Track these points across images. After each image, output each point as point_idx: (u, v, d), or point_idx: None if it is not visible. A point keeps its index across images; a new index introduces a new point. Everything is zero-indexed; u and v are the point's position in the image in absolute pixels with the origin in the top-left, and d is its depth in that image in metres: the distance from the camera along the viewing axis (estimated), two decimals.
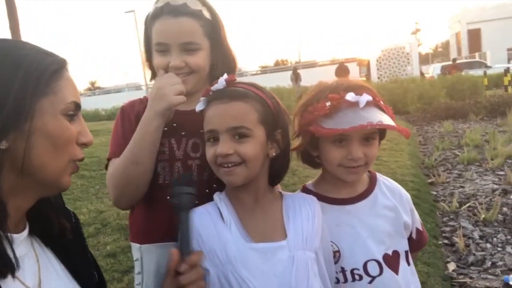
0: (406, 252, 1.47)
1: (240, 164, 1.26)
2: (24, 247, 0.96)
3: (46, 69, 0.92)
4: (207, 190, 1.46)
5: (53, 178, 0.95)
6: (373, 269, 1.40)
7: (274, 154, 1.33)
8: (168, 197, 1.26)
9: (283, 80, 22.08)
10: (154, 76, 1.62)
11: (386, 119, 1.34)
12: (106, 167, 1.53)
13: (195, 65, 1.50)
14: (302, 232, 1.29)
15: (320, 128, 1.35)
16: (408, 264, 1.47)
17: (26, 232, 0.98)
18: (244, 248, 1.24)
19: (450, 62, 25.79)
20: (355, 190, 1.48)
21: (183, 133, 1.53)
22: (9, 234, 0.89)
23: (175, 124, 1.51)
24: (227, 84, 1.33)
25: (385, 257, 1.42)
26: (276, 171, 1.38)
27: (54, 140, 0.93)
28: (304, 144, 1.46)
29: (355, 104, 1.34)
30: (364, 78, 22.54)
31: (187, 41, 1.48)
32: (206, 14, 1.52)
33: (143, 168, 1.42)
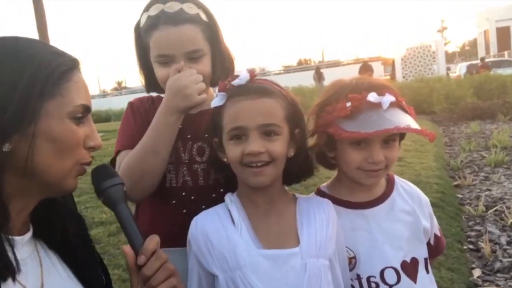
0: (426, 259, 1.42)
1: (268, 164, 1.22)
2: (26, 249, 0.95)
3: (54, 70, 0.90)
4: (213, 195, 1.44)
5: (57, 180, 0.94)
6: (390, 277, 1.35)
7: (292, 153, 1.29)
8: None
9: (306, 79, 21.94)
10: (151, 86, 1.59)
11: (411, 122, 1.29)
12: (113, 161, 1.49)
13: (202, 72, 1.46)
14: (316, 239, 1.24)
15: (341, 131, 1.29)
16: (427, 272, 1.42)
17: (29, 234, 0.97)
18: (255, 254, 1.20)
19: (478, 61, 25.21)
20: (372, 193, 1.43)
21: (188, 136, 1.50)
22: (10, 237, 0.89)
23: (181, 127, 1.48)
24: (250, 79, 1.28)
25: (403, 264, 1.37)
26: (294, 171, 1.33)
27: (59, 144, 0.91)
28: (320, 145, 1.41)
29: (378, 105, 1.28)
30: (389, 77, 22.23)
31: (191, 50, 1.44)
32: (203, 17, 1.48)
33: (162, 157, 1.41)
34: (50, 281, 0.97)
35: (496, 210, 4.60)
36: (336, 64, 37.31)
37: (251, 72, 1.29)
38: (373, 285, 1.35)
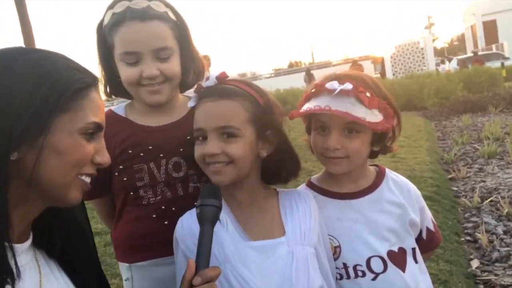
0: (413, 249, 1.44)
1: (228, 164, 1.24)
2: (25, 256, 0.96)
3: (70, 87, 0.93)
4: (195, 203, 1.42)
5: (60, 192, 0.95)
6: (376, 265, 1.37)
7: (265, 154, 1.30)
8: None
9: (297, 81, 22.01)
10: (113, 89, 1.52)
11: (358, 111, 1.28)
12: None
13: (171, 72, 1.41)
14: (300, 228, 1.28)
15: (293, 111, 1.37)
16: (416, 261, 1.43)
17: (28, 242, 0.98)
18: (243, 246, 1.23)
19: (467, 55, 25.38)
20: (359, 185, 1.45)
21: (161, 155, 1.45)
22: (13, 245, 0.88)
23: (150, 147, 1.44)
24: (218, 81, 1.29)
25: (390, 253, 1.39)
26: (272, 170, 1.35)
27: (65, 157, 0.92)
28: (306, 133, 1.47)
29: (332, 91, 1.32)
30: (379, 76, 22.34)
31: (160, 47, 1.38)
32: (172, 16, 1.43)
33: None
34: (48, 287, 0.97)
35: (491, 201, 4.62)
36: (326, 65, 37.42)
37: (221, 74, 1.29)
38: (359, 273, 1.37)
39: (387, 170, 1.51)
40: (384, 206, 1.42)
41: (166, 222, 1.41)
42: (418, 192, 1.52)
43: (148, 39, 1.37)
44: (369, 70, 26.63)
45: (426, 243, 1.50)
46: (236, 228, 1.27)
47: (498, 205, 4.45)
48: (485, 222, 4.09)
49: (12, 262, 0.86)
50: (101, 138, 1.01)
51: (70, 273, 1.05)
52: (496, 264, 3.40)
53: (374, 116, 1.31)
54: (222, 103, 1.25)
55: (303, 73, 23.84)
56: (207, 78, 1.30)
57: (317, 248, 1.30)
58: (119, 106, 1.56)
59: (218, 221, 1.23)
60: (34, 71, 0.89)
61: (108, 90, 1.54)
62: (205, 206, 1.14)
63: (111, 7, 1.41)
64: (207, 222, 1.12)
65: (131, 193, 1.45)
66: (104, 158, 1.01)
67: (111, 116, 1.50)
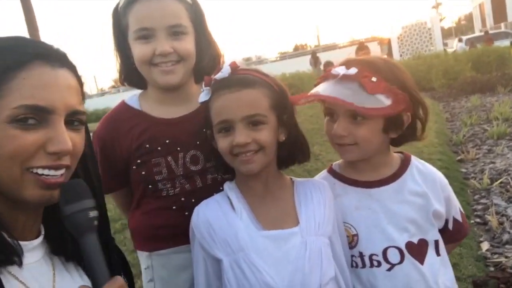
0: (436, 241, 1.40)
1: (258, 152, 1.25)
2: (35, 254, 0.93)
3: None
4: (214, 194, 1.41)
5: (11, 190, 0.86)
6: (393, 256, 1.34)
7: (283, 138, 1.32)
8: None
9: (303, 64, 21.82)
10: (129, 79, 1.51)
11: (357, 97, 1.24)
12: None
13: (185, 51, 1.39)
14: (314, 218, 1.28)
15: (295, 96, 1.36)
16: (438, 254, 1.39)
17: (37, 241, 0.94)
18: (256, 236, 1.24)
19: (475, 35, 24.99)
20: (381, 173, 1.42)
21: (178, 148, 1.44)
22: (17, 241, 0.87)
23: (168, 141, 1.44)
24: (232, 71, 1.28)
25: (409, 245, 1.35)
26: (286, 154, 1.36)
27: None
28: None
29: (335, 76, 1.30)
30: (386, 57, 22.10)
31: (174, 24, 1.36)
32: None
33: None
34: (62, 286, 0.94)
35: (501, 182, 4.57)
36: (332, 47, 37.08)
37: (233, 64, 1.28)
38: (375, 263, 1.35)
39: (413, 158, 1.46)
40: (406, 196, 1.38)
41: (186, 213, 1.41)
42: (445, 181, 1.47)
43: (163, 15, 1.36)
44: (376, 51, 26.37)
45: (452, 234, 1.46)
46: (250, 217, 1.27)
47: (508, 186, 4.41)
48: (495, 204, 4.05)
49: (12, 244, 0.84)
50: (54, 122, 0.86)
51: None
52: (507, 246, 3.37)
53: (378, 102, 1.26)
54: (246, 92, 1.25)
55: (309, 56, 23.62)
56: (218, 70, 1.29)
57: (332, 238, 1.30)
58: (132, 97, 1.54)
59: (232, 211, 1.25)
60: None
61: (122, 78, 1.53)
62: (76, 214, 0.89)
63: None
64: (86, 232, 0.90)
65: (150, 186, 1.45)
66: (59, 145, 0.85)
67: (124, 109, 1.51)
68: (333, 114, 1.34)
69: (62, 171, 0.89)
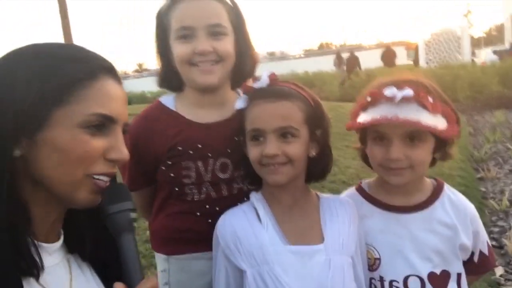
0: (459, 274, 1.38)
1: (286, 164, 1.26)
2: (57, 256, 0.96)
3: (66, 78, 0.87)
4: (238, 204, 1.42)
5: (66, 192, 0.91)
6: (414, 285, 1.33)
7: (314, 153, 1.33)
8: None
9: (327, 64, 21.66)
10: (167, 83, 1.52)
11: (423, 117, 1.23)
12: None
13: (224, 51, 1.40)
14: (339, 236, 1.29)
15: (351, 122, 1.33)
16: (459, 287, 1.37)
17: (59, 243, 0.97)
18: (282, 250, 1.25)
19: (504, 47, 24.49)
20: (411, 199, 1.39)
21: (209, 154, 1.44)
22: (36, 242, 0.88)
23: (200, 146, 1.44)
24: (270, 82, 1.31)
25: (431, 275, 1.34)
26: (316, 170, 1.37)
27: (66, 154, 0.87)
28: (360, 143, 1.44)
29: (392, 99, 1.26)
30: (412, 63, 21.81)
31: (214, 23, 1.38)
32: (228, 1, 1.44)
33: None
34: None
35: None
36: (358, 48, 36.76)
37: (272, 75, 1.30)
38: None
39: (446, 187, 1.44)
40: (434, 226, 1.36)
41: (209, 220, 1.43)
42: (476, 214, 1.44)
43: (203, 14, 1.38)
44: (402, 56, 26.02)
45: (476, 267, 1.43)
46: (276, 230, 1.28)
47: None
48: None
49: (36, 257, 0.86)
50: (116, 132, 0.93)
51: (103, 275, 1.04)
52: None
53: (439, 122, 1.25)
54: (280, 104, 1.26)
55: (333, 56, 23.45)
56: (257, 79, 1.32)
57: (354, 258, 1.31)
58: (167, 97, 1.56)
59: (258, 222, 1.27)
60: (32, 65, 0.86)
61: (160, 80, 1.54)
62: (118, 214, 0.95)
63: None
64: (125, 231, 0.95)
65: (176, 188, 1.46)
66: (119, 154, 0.93)
67: (159, 108, 1.52)
68: (383, 137, 1.31)
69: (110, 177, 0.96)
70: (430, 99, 1.27)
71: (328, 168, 1.41)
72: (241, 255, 1.27)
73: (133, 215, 0.97)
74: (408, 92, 1.25)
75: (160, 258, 1.55)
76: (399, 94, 1.25)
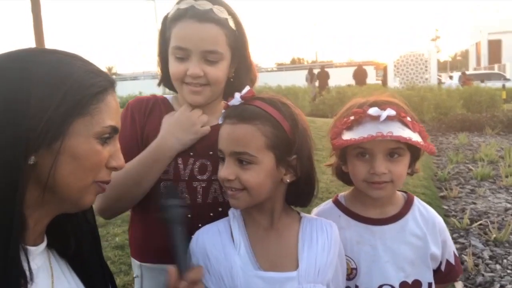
0: (430, 284, 1.45)
1: (242, 190, 1.22)
2: (39, 259, 0.97)
3: (86, 90, 0.91)
4: (211, 214, 1.43)
5: (75, 197, 0.95)
6: None
7: (288, 180, 1.26)
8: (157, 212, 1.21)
9: (299, 79, 21.98)
10: (165, 80, 1.57)
11: (409, 135, 1.32)
12: None
13: (214, 77, 1.43)
14: (315, 263, 1.24)
15: (338, 140, 1.36)
16: None
17: (43, 245, 0.99)
18: (252, 275, 1.20)
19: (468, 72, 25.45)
20: (385, 211, 1.46)
21: (191, 153, 1.47)
22: (27, 247, 0.90)
23: None
24: (244, 100, 1.26)
25: (403, 285, 1.41)
26: (295, 196, 1.33)
27: (81, 162, 0.92)
28: (336, 160, 1.48)
29: (376, 118, 1.33)
30: (380, 82, 22.37)
31: (209, 50, 1.41)
32: (231, 24, 1.46)
33: (143, 190, 1.42)
34: None
35: (480, 224, 4.67)
36: (329, 65, 37.40)
37: (248, 92, 1.27)
38: None
39: (416, 200, 1.52)
40: (407, 237, 1.43)
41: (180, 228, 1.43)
42: (444, 226, 1.52)
43: (200, 39, 1.40)
44: (371, 75, 26.65)
45: (444, 275, 1.51)
46: (248, 253, 1.23)
47: (487, 229, 4.51)
48: (472, 245, 4.16)
49: (25, 265, 0.88)
50: (116, 141, 1.00)
51: (80, 272, 1.06)
52: None
53: (419, 139, 1.34)
54: (239, 127, 1.21)
55: (305, 71, 23.81)
56: (233, 97, 1.29)
57: (329, 285, 1.29)
58: (170, 95, 1.63)
59: (232, 243, 1.25)
60: (50, 74, 0.89)
61: (160, 80, 1.60)
62: (171, 207, 1.18)
63: (178, 2, 1.46)
64: (176, 223, 1.16)
65: None
66: (119, 162, 1.00)
67: (162, 99, 1.58)
68: (365, 153, 1.37)
69: None
70: (409, 118, 1.36)
71: (309, 196, 1.33)
72: (210, 276, 1.22)
73: (187, 212, 1.19)
74: (391, 111, 1.33)
75: (135, 264, 1.54)
76: (384, 113, 1.32)
